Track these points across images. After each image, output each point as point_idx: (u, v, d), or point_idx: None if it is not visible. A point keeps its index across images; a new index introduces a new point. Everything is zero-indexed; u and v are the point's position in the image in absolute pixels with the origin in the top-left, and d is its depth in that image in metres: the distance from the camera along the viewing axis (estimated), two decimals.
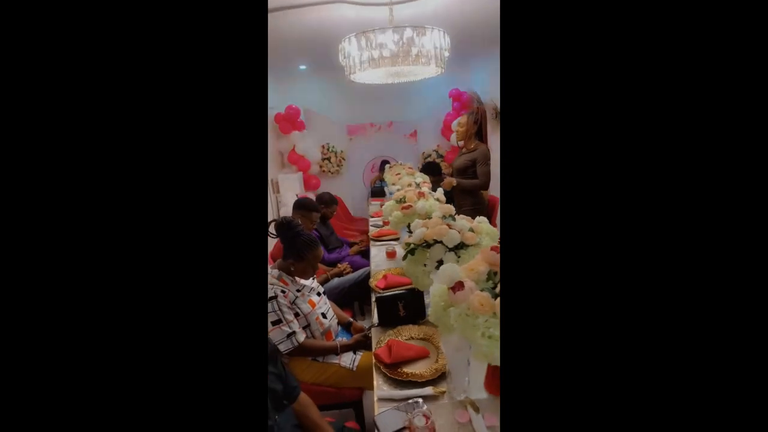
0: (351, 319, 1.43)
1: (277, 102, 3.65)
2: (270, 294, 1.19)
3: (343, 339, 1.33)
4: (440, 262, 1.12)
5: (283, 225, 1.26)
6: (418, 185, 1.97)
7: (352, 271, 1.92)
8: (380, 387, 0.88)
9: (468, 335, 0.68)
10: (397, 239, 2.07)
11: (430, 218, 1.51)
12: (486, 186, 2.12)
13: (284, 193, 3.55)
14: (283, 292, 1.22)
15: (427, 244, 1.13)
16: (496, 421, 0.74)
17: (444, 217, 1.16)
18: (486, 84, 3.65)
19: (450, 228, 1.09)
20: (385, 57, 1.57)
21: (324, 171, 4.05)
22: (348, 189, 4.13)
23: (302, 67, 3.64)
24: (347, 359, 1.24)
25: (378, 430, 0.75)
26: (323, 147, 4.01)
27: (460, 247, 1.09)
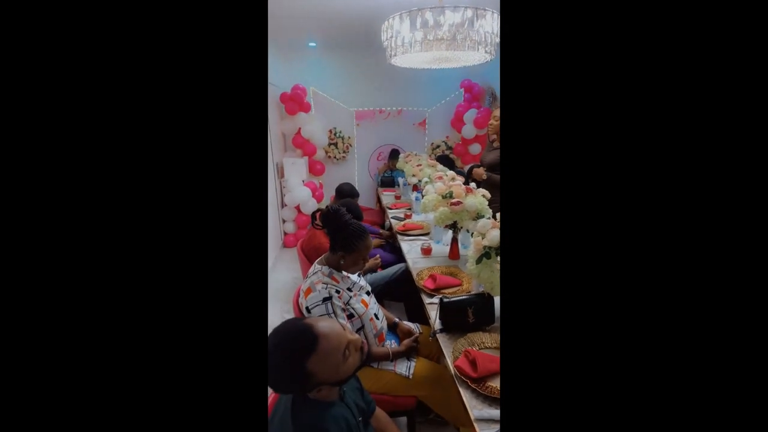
0: (397, 320, 1.34)
1: (281, 80, 3.42)
2: (324, 294, 1.08)
3: (393, 343, 1.25)
4: None
5: (330, 214, 1.15)
6: (453, 179, 1.88)
7: (382, 266, 1.82)
8: (474, 406, 0.80)
9: None
10: (425, 234, 1.99)
11: (481, 216, 1.44)
12: None
13: (289, 178, 3.37)
14: (337, 292, 1.11)
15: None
16: None
17: None
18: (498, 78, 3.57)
19: None
20: (440, 39, 1.45)
21: (330, 157, 3.88)
22: (354, 177, 3.99)
23: (312, 44, 3.43)
24: (402, 367, 1.16)
25: None
26: (330, 132, 3.83)
27: None
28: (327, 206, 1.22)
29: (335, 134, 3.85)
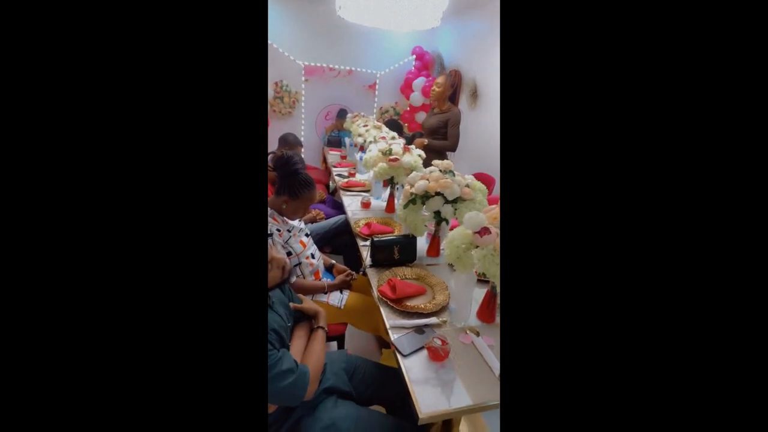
0: (333, 262, 1.47)
1: None
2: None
3: (328, 280, 1.38)
4: (437, 213, 1.22)
5: (283, 159, 1.20)
6: (393, 138, 2.00)
7: (325, 218, 1.92)
8: (390, 318, 0.97)
9: (492, 271, 0.80)
10: (366, 191, 2.11)
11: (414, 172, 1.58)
12: (454, 147, 2.25)
13: None
14: (278, 230, 1.19)
15: (426, 196, 1.21)
16: (492, 341, 0.91)
17: (444, 172, 1.24)
18: (449, 48, 3.68)
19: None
20: None
21: (275, 111, 3.73)
22: (299, 134, 3.90)
23: None
24: (335, 298, 1.30)
25: (398, 350, 0.85)
26: (276, 84, 3.65)
27: (457, 200, 1.19)
28: (281, 151, 1.26)
29: (282, 87, 3.69)
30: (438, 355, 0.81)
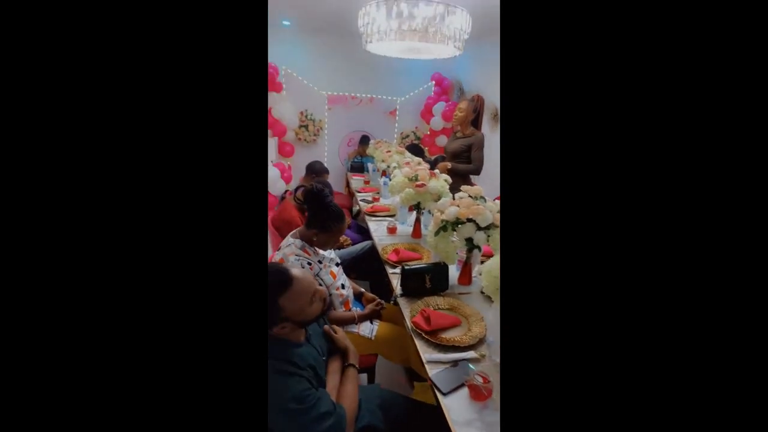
0: (362, 290, 1.46)
1: None
2: (297, 266, 1.16)
3: (357, 309, 1.36)
4: (469, 240, 1.19)
5: (314, 194, 1.22)
6: (419, 164, 2.01)
7: (351, 244, 1.92)
8: (425, 351, 0.94)
9: None
10: (392, 216, 2.11)
11: (440, 198, 1.57)
12: (479, 171, 2.24)
13: None
14: (309, 264, 1.20)
15: (458, 222, 1.19)
16: None
17: (475, 198, 1.22)
18: (468, 74, 3.74)
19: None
20: (413, 30, 1.54)
21: (300, 139, 3.87)
22: (323, 160, 3.99)
23: (286, 22, 3.37)
24: (366, 329, 1.28)
25: (437, 386, 0.81)
26: (301, 113, 3.81)
27: (489, 227, 1.17)
28: (312, 184, 1.29)
29: (306, 116, 3.84)
30: (480, 394, 0.77)
